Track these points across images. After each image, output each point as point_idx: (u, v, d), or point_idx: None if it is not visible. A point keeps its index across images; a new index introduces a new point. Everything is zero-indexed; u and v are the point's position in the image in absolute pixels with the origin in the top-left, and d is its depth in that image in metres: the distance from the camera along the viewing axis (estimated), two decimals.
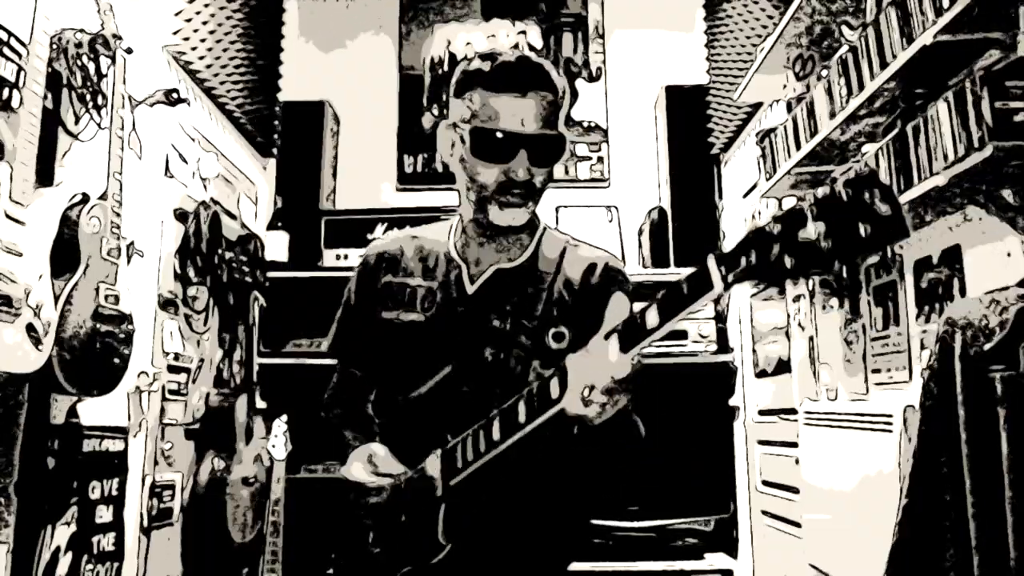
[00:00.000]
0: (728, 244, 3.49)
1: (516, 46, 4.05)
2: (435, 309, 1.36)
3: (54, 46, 1.88)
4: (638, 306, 1.07)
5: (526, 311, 1.32)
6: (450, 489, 1.22)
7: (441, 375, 1.31)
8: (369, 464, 1.30)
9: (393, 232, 1.51)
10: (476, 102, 1.29)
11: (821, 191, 0.88)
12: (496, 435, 1.17)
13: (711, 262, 0.98)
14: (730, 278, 0.96)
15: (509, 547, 1.28)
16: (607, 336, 1.06)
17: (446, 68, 3.94)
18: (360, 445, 1.35)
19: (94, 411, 2.07)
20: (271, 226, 3.42)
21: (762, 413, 3.11)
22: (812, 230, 0.87)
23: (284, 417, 2.81)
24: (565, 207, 3.66)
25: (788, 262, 0.90)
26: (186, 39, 2.66)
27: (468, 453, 1.20)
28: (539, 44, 4.06)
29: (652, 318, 1.03)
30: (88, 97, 2.01)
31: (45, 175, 1.82)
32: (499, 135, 1.27)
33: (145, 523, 2.38)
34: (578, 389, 1.07)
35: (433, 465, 1.24)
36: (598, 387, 1.05)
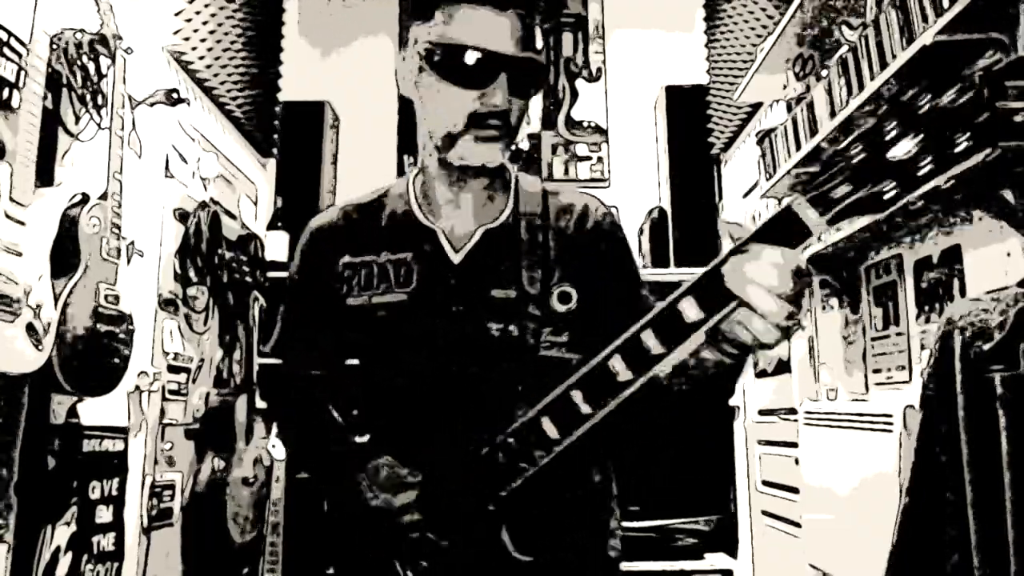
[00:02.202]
0: (729, 244, 3.51)
1: None
2: (415, 285, 1.19)
3: (54, 46, 1.87)
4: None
5: (525, 274, 1.17)
6: (503, 499, 1.07)
7: (439, 360, 1.16)
8: (381, 480, 1.12)
9: (336, 205, 1.33)
10: (445, 18, 1.12)
11: (892, 98, 0.75)
12: (553, 433, 1.01)
13: (800, 205, 0.83)
14: (828, 218, 0.82)
15: (579, 547, 1.18)
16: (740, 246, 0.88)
17: None
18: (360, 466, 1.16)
19: (94, 411, 2.07)
20: (271, 226, 3.42)
21: (762, 413, 3.11)
22: (905, 147, 0.76)
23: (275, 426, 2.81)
24: None
25: (889, 188, 0.78)
26: (186, 39, 2.66)
27: (516, 459, 1.04)
28: (539, 44, 4.06)
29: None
30: (88, 97, 2.01)
31: (45, 175, 1.82)
32: (475, 54, 1.09)
33: (145, 523, 2.38)
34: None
35: (468, 474, 1.08)
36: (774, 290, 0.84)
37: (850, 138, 0.78)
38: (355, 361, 1.25)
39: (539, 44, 1.19)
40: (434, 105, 1.16)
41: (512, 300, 1.16)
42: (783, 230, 0.85)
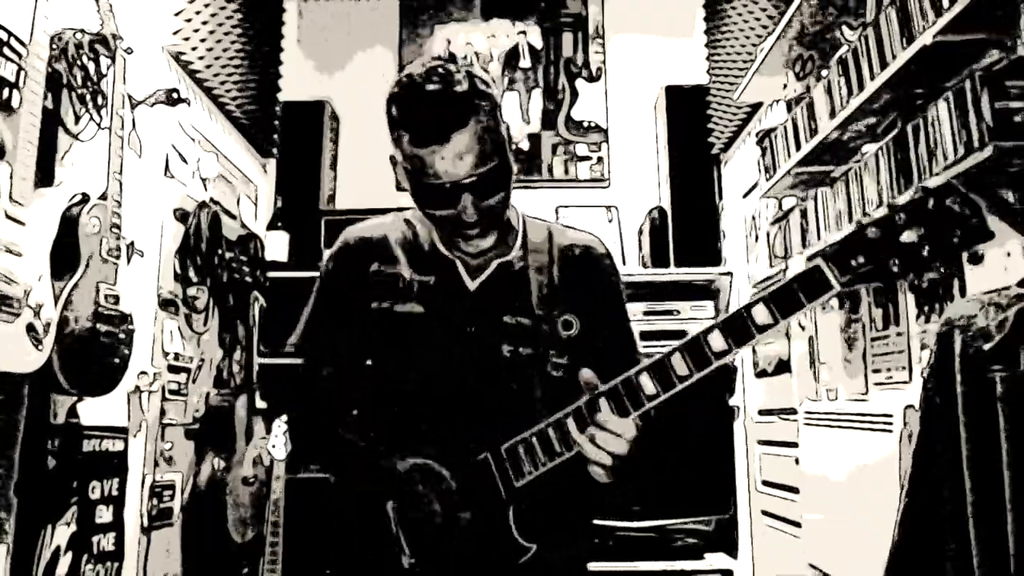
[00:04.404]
0: (729, 243, 3.52)
1: (516, 47, 4.05)
2: (434, 303, 1.31)
3: (54, 46, 1.88)
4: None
5: (534, 303, 1.30)
6: (516, 491, 1.19)
7: (455, 374, 1.27)
8: (424, 486, 1.22)
9: (373, 218, 1.45)
10: (406, 149, 1.22)
11: (904, 199, 1.00)
12: (576, 433, 1.15)
13: (822, 263, 1.05)
14: (845, 280, 1.03)
15: (576, 540, 1.30)
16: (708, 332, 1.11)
17: None
18: (393, 463, 1.25)
19: (94, 411, 2.07)
20: (271, 226, 3.42)
21: (762, 413, 3.11)
22: (911, 235, 0.99)
23: (284, 417, 2.81)
24: (565, 207, 3.67)
25: (895, 265, 1.01)
26: (186, 39, 2.66)
27: (539, 454, 1.17)
28: (539, 44, 4.06)
29: (763, 316, 1.07)
30: (88, 97, 2.01)
31: (45, 175, 1.82)
32: (438, 185, 1.20)
33: (145, 523, 2.38)
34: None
35: (487, 467, 1.20)
36: None
37: (869, 220, 1.02)
38: (369, 362, 1.36)
39: (503, 132, 1.24)
40: (420, 209, 1.30)
41: (526, 326, 1.29)
42: (810, 284, 1.05)
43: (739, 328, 1.08)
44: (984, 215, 0.95)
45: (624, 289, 1.44)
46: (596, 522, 2.95)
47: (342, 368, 1.40)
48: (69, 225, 1.79)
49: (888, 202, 1.06)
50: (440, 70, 1.20)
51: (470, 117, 1.17)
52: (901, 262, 1.00)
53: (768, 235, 2.67)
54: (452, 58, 1.25)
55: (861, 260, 1.02)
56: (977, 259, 1.02)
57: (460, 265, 1.34)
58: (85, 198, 1.85)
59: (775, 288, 1.07)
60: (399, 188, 1.36)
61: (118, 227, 1.93)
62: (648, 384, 1.12)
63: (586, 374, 1.16)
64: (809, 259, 1.11)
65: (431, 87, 1.19)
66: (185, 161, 2.71)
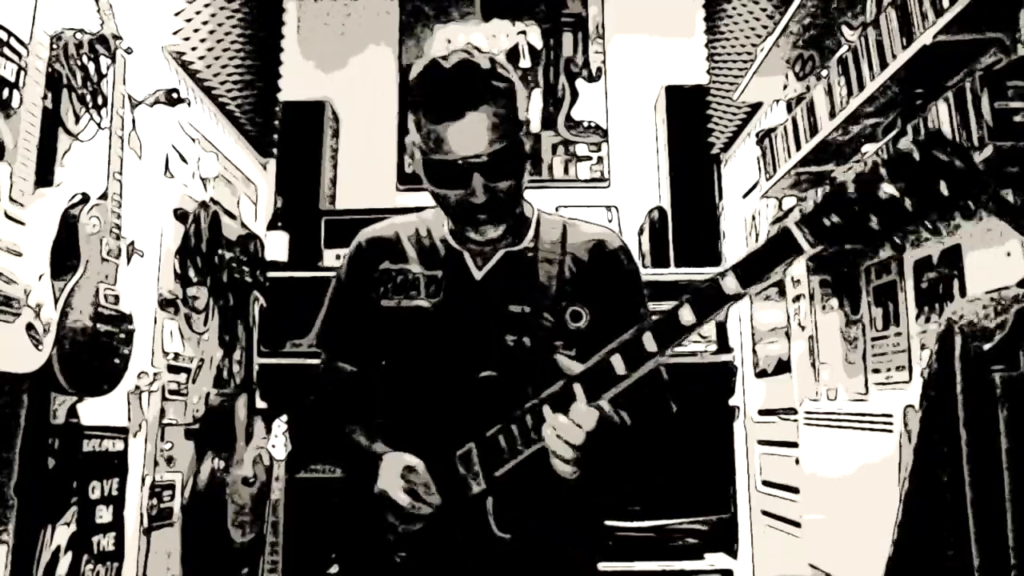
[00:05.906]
0: (729, 243, 3.53)
1: (516, 47, 4.05)
2: (441, 296, 1.32)
3: (54, 46, 1.87)
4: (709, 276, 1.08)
5: (541, 293, 1.30)
6: (495, 481, 1.18)
7: (458, 365, 1.27)
8: (405, 482, 1.20)
9: (389, 218, 1.47)
10: (422, 127, 1.23)
11: (889, 151, 0.90)
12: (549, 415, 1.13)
13: (792, 226, 0.98)
14: (817, 241, 0.97)
15: (558, 534, 1.28)
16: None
17: None
18: (381, 450, 1.26)
19: (94, 411, 2.07)
20: (271, 226, 3.42)
21: (762, 413, 3.11)
22: (892, 188, 0.89)
23: (284, 417, 2.81)
24: (565, 207, 3.66)
25: (874, 222, 0.92)
26: (186, 39, 2.66)
27: (516, 442, 1.16)
28: (539, 44, 4.06)
29: (732, 285, 1.03)
30: (88, 97, 2.01)
31: (45, 175, 1.82)
32: (450, 163, 1.21)
33: (145, 523, 2.38)
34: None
35: (470, 457, 1.20)
36: None
37: (848, 175, 0.91)
38: (384, 363, 1.37)
39: (522, 115, 1.26)
40: (432, 194, 1.30)
41: (528, 315, 1.28)
42: (779, 248, 1.00)
43: (708, 300, 1.05)
44: (974, 162, 0.85)
45: (642, 283, 1.41)
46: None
47: (357, 368, 1.40)
48: (69, 225, 1.79)
49: (869, 157, 0.98)
50: (463, 52, 1.23)
51: (486, 98, 1.20)
52: (882, 219, 0.91)
53: (768, 235, 2.67)
54: (478, 48, 1.26)
55: (836, 219, 0.94)
56: (969, 213, 0.94)
57: (467, 255, 1.35)
58: (85, 198, 1.85)
59: (743, 256, 1.03)
60: (401, 183, 1.38)
61: (118, 227, 1.93)
62: (619, 364, 1.09)
63: (564, 361, 1.15)
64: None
65: (451, 66, 1.21)
66: (185, 161, 2.71)
